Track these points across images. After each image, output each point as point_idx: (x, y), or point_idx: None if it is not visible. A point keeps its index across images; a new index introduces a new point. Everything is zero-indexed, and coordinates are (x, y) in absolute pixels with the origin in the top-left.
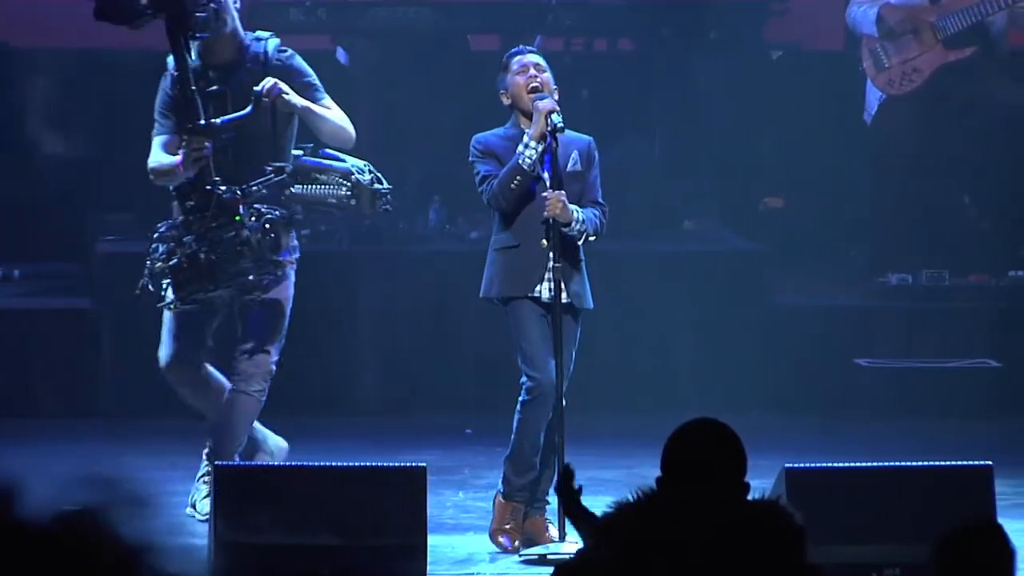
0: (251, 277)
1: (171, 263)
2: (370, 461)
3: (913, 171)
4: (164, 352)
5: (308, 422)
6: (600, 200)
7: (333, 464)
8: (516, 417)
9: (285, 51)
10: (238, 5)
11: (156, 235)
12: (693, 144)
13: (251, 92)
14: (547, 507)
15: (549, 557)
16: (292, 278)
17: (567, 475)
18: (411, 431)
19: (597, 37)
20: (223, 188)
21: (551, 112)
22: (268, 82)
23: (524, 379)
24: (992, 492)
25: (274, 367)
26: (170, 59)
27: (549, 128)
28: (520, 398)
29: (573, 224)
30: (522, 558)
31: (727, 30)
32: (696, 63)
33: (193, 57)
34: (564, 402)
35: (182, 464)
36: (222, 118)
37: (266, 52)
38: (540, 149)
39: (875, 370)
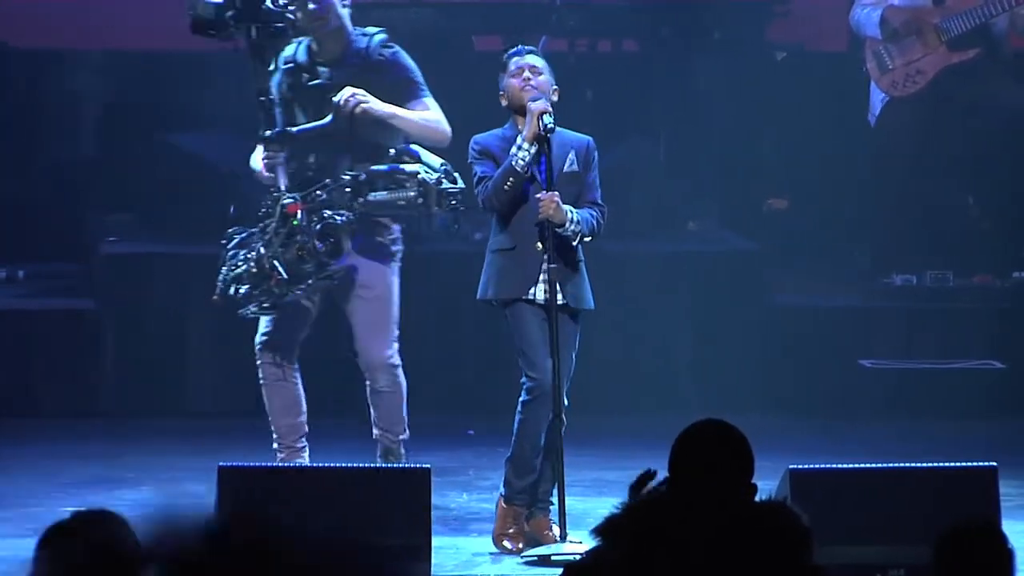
0: (311, 281)
1: (241, 269)
2: (374, 462)
3: (917, 172)
4: (259, 334)
5: (312, 424)
6: (598, 201)
7: (337, 465)
8: (516, 418)
9: (390, 47)
10: (347, 2)
11: (234, 242)
12: (696, 145)
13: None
14: (551, 507)
15: (552, 558)
16: (394, 271)
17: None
18: (415, 432)
19: (601, 38)
20: (288, 195)
21: (543, 113)
22: (345, 92)
23: (524, 379)
24: (996, 493)
25: (392, 358)
26: (282, 54)
27: (541, 129)
28: (520, 399)
29: (567, 225)
30: (524, 559)
31: (730, 31)
32: (699, 64)
33: (302, 54)
34: (567, 402)
35: (181, 465)
36: (299, 127)
37: (368, 48)
38: (533, 151)
39: (879, 371)
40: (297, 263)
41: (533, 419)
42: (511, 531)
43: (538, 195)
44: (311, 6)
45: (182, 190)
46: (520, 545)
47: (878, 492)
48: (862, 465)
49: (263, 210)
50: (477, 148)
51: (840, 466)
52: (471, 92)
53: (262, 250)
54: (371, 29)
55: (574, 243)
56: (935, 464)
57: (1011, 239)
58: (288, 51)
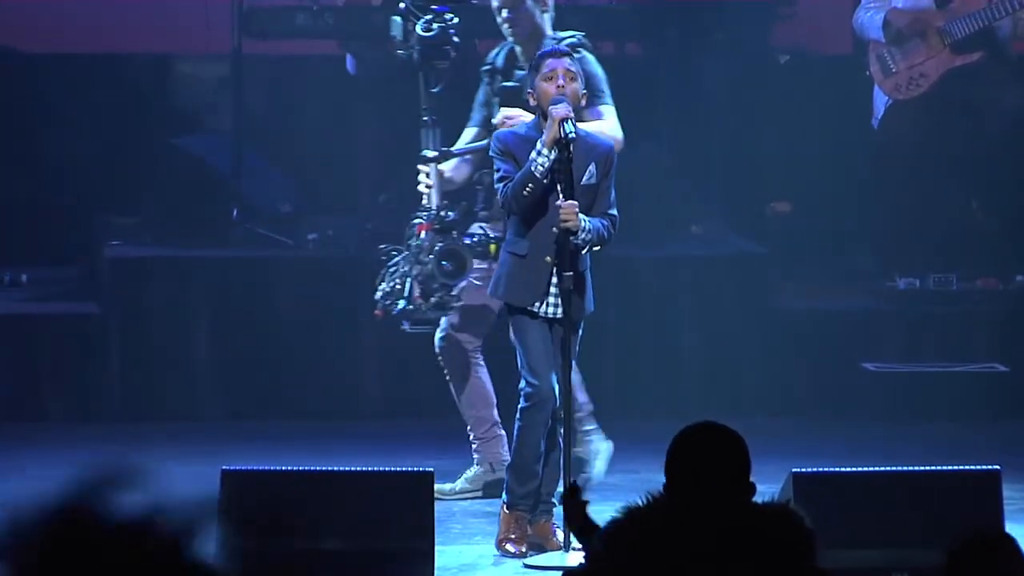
0: (433, 299)
1: (392, 285)
2: (377, 466)
3: (920, 175)
4: (438, 331)
5: (315, 426)
6: (611, 211)
7: (340, 468)
8: (516, 424)
9: (577, 53)
10: (548, 6)
11: (393, 259)
12: (699, 147)
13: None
14: (553, 510)
15: (555, 566)
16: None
17: (574, 490)
18: (418, 435)
19: (604, 40)
20: (421, 214)
21: (564, 119)
22: (501, 114)
23: (523, 385)
24: (1000, 496)
25: None
26: (491, 54)
27: (562, 135)
28: (519, 405)
29: (579, 233)
30: (526, 564)
31: (733, 33)
32: (702, 66)
33: (500, 59)
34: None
35: (185, 468)
36: (458, 147)
37: None
38: (552, 157)
39: (882, 374)
40: (427, 282)
41: (532, 424)
42: (514, 536)
43: (557, 203)
44: (505, 13)
45: (185, 193)
46: (523, 549)
47: (882, 495)
48: (866, 468)
49: (407, 230)
50: (500, 146)
51: (843, 469)
52: (475, 95)
53: (404, 268)
54: (565, 33)
55: (583, 252)
56: (939, 467)
57: (1015, 242)
58: (491, 55)
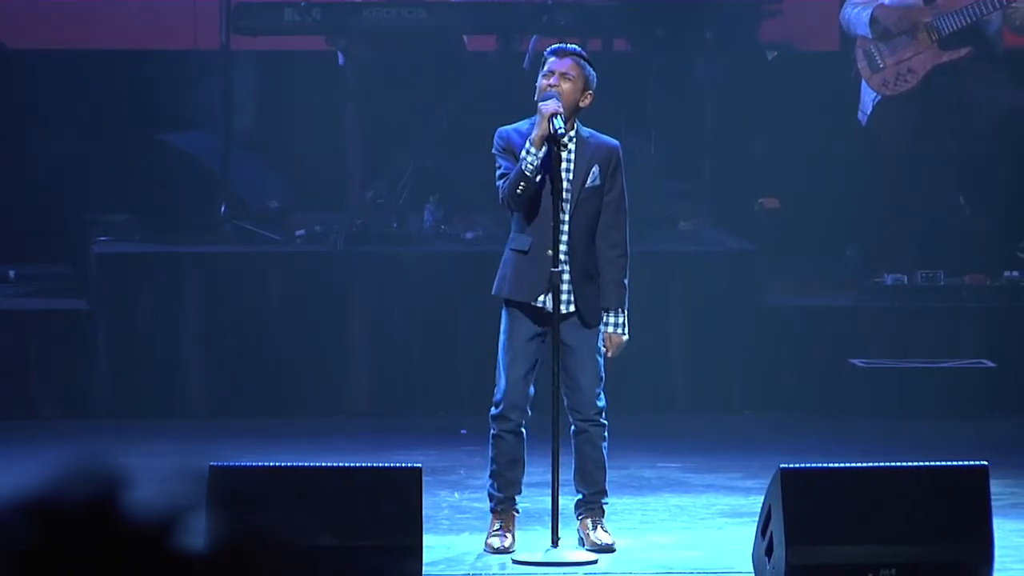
0: None
1: None
2: (365, 462)
3: (908, 171)
4: None
5: (303, 422)
6: (621, 250)
7: (328, 464)
8: (490, 432)
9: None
10: None
11: None
12: (688, 144)
13: None
14: (596, 508)
15: (543, 562)
16: None
17: None
18: (406, 432)
19: (592, 37)
20: None
21: (553, 115)
22: None
23: (496, 393)
24: (988, 492)
25: None
26: None
27: (552, 131)
28: (490, 412)
29: (624, 333)
30: (515, 559)
31: (721, 31)
32: (690, 63)
33: None
34: (603, 404)
35: (174, 465)
36: None
37: None
38: (541, 155)
39: (870, 370)
40: None
41: (501, 432)
42: (497, 529)
43: (606, 351)
44: None
45: (173, 189)
46: (508, 542)
47: (869, 491)
48: (853, 464)
49: None
50: (501, 143)
51: (831, 465)
52: (463, 91)
53: None
54: None
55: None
56: (926, 463)
57: (1004, 238)
58: None
